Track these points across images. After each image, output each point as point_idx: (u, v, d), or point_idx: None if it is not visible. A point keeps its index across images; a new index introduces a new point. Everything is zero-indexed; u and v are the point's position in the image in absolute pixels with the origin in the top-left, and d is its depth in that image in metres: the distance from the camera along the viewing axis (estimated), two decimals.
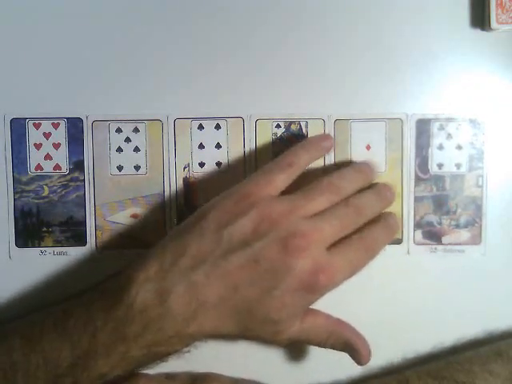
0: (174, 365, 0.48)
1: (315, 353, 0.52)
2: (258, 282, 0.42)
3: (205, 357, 0.51)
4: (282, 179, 0.45)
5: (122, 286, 0.43)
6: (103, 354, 0.42)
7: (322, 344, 0.46)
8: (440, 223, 0.52)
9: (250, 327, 0.43)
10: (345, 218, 0.44)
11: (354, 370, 0.51)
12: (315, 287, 0.42)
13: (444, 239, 0.52)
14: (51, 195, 0.51)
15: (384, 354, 0.51)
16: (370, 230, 0.46)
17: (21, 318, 0.46)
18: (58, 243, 0.51)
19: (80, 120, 0.50)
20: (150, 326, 0.42)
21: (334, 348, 0.46)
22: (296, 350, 0.52)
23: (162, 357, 0.44)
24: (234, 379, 0.51)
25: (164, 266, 0.42)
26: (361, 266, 0.45)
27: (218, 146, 0.51)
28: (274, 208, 0.43)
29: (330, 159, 0.51)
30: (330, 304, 0.51)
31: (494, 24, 0.49)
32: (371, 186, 0.48)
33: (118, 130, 0.51)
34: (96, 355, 0.42)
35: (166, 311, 0.41)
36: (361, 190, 0.47)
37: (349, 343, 0.46)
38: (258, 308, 0.42)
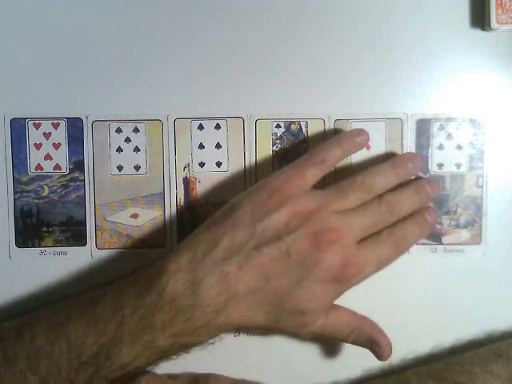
0: (174, 366, 0.48)
1: (316, 354, 0.52)
2: (289, 273, 0.43)
3: (206, 358, 0.51)
4: (313, 174, 0.45)
5: (153, 276, 0.43)
6: (128, 343, 0.42)
7: (344, 339, 0.47)
8: (440, 223, 0.52)
9: (278, 319, 0.44)
10: (376, 215, 0.45)
11: (354, 370, 0.51)
12: (344, 279, 0.43)
13: (444, 239, 0.52)
14: (51, 195, 0.51)
15: None
16: (401, 226, 0.46)
17: (44, 308, 0.46)
18: (57, 243, 0.51)
19: (80, 120, 0.50)
20: (178, 315, 0.42)
21: (356, 343, 0.47)
22: (297, 350, 0.52)
23: (188, 347, 0.44)
24: (234, 380, 0.51)
25: (196, 256, 0.43)
26: (389, 260, 0.46)
27: (218, 145, 0.51)
28: (305, 203, 0.44)
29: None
30: None
31: (494, 24, 0.49)
32: (413, 182, 0.48)
33: (118, 130, 0.51)
34: (121, 343, 0.42)
35: (196, 301, 0.42)
36: (400, 185, 0.47)
37: (371, 339, 0.47)
38: (288, 299, 0.43)
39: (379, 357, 0.47)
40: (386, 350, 0.47)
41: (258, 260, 0.42)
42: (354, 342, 0.47)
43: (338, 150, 0.47)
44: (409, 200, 0.47)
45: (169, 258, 0.44)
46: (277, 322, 0.44)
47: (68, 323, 0.42)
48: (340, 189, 0.45)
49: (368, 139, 0.48)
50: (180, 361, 0.50)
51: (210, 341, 0.45)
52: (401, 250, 0.46)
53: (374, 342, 0.47)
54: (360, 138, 0.47)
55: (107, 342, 0.42)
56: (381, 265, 0.45)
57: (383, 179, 0.46)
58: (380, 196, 0.46)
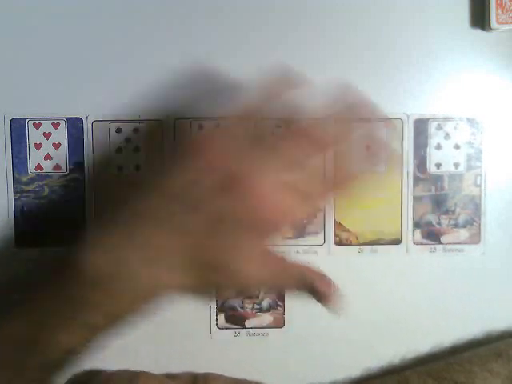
0: (174, 365, 0.48)
1: (316, 353, 0.52)
2: (219, 233, 0.40)
3: (206, 356, 0.51)
4: (241, 128, 0.43)
5: (75, 253, 0.41)
6: (61, 325, 0.41)
7: (288, 288, 0.45)
8: (439, 223, 0.52)
9: (206, 276, 0.42)
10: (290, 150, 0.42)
11: (354, 370, 0.52)
12: (271, 232, 0.41)
13: (443, 239, 0.52)
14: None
15: (384, 353, 0.52)
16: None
17: None
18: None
19: (80, 120, 0.50)
20: (105, 289, 0.40)
21: (300, 291, 0.44)
22: (296, 350, 0.52)
23: (124, 318, 0.42)
24: (234, 379, 0.51)
25: (119, 227, 0.41)
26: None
27: None
28: (230, 159, 0.41)
29: (329, 159, 0.51)
30: None
31: (494, 24, 0.49)
32: None
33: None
34: (53, 327, 0.41)
35: (121, 272, 0.40)
36: None
37: (313, 286, 0.43)
38: (220, 259, 0.41)
39: (323, 303, 0.43)
40: (327, 296, 0.43)
41: (189, 223, 0.40)
42: (298, 291, 0.44)
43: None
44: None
45: (89, 235, 0.42)
46: (208, 284, 0.42)
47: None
48: (270, 143, 0.42)
49: None
50: (180, 361, 0.51)
51: (150, 309, 0.43)
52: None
53: (315, 289, 0.43)
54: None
55: (38, 327, 0.41)
56: (305, 211, 0.43)
57: (316, 135, 0.43)
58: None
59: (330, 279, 0.43)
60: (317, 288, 0.43)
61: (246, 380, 0.50)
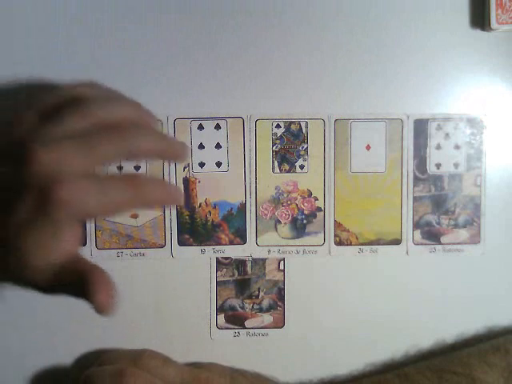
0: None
1: (317, 348, 0.52)
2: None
3: (206, 356, 0.51)
4: (43, 101, 0.41)
5: None
6: None
7: (70, 286, 0.39)
8: (439, 223, 0.52)
9: (5, 261, 0.38)
10: (96, 140, 0.38)
11: (355, 365, 0.52)
12: (52, 202, 0.36)
13: (443, 239, 0.52)
14: None
15: (384, 354, 0.52)
16: (144, 178, 0.40)
17: None
18: None
19: None
20: None
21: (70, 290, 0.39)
22: (298, 346, 0.52)
23: None
24: (234, 369, 0.51)
25: None
26: (118, 198, 0.38)
27: (218, 146, 0.51)
28: (20, 129, 0.39)
29: (329, 159, 0.51)
30: (330, 304, 0.52)
31: (494, 24, 0.49)
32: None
33: None
34: None
35: None
36: None
37: (87, 285, 0.38)
38: (6, 235, 0.37)
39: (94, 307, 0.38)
40: (99, 299, 0.37)
41: None
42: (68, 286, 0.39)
43: (84, 89, 0.42)
44: (148, 136, 0.40)
45: None
46: (4, 267, 0.38)
47: None
48: (59, 111, 0.39)
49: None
50: (180, 361, 0.51)
51: None
52: (138, 196, 0.39)
53: (87, 284, 0.38)
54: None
55: None
56: (105, 199, 0.37)
57: (112, 108, 0.40)
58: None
59: (110, 286, 0.38)
60: (91, 293, 0.37)
61: (246, 371, 0.51)
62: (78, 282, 0.38)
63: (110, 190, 0.38)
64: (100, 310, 0.37)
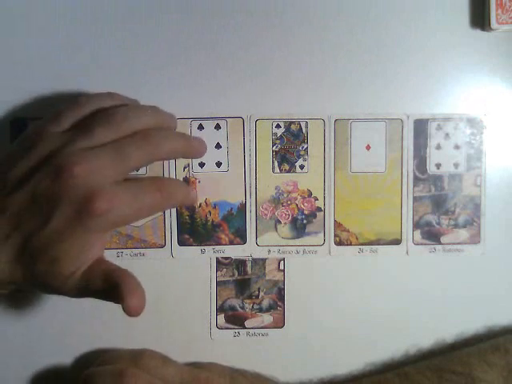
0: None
1: (317, 348, 0.52)
2: (37, 216, 0.39)
3: (206, 356, 0.51)
4: (68, 116, 0.43)
5: None
6: None
7: (99, 290, 0.41)
8: (439, 223, 0.52)
9: (33, 270, 0.40)
10: (130, 148, 0.41)
11: (355, 365, 0.52)
12: (89, 214, 0.39)
13: (443, 239, 0.52)
14: None
15: (384, 353, 0.52)
16: (167, 180, 0.45)
17: None
18: None
19: None
20: None
21: (107, 295, 0.41)
22: (297, 345, 0.52)
23: None
24: (234, 369, 0.51)
25: None
26: (149, 203, 0.42)
27: (218, 146, 0.51)
28: (51, 144, 0.41)
29: (329, 159, 0.51)
30: (330, 304, 0.52)
31: (494, 24, 0.49)
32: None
33: None
34: None
35: None
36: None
37: (119, 289, 0.40)
38: (37, 244, 0.39)
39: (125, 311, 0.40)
40: (130, 305, 0.39)
41: (8, 209, 0.40)
42: (106, 295, 0.41)
43: (104, 101, 0.44)
44: (171, 139, 0.44)
45: None
46: (33, 275, 0.40)
47: None
48: (88, 124, 0.42)
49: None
50: (180, 361, 0.51)
51: None
52: (164, 198, 0.43)
53: (119, 292, 0.40)
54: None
55: None
56: (138, 205, 0.41)
57: (136, 118, 0.43)
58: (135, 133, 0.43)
59: (139, 287, 0.40)
60: (121, 293, 0.40)
61: (246, 370, 0.51)
62: (106, 285, 0.40)
63: (142, 195, 0.41)
64: (132, 313, 0.39)
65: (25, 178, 0.40)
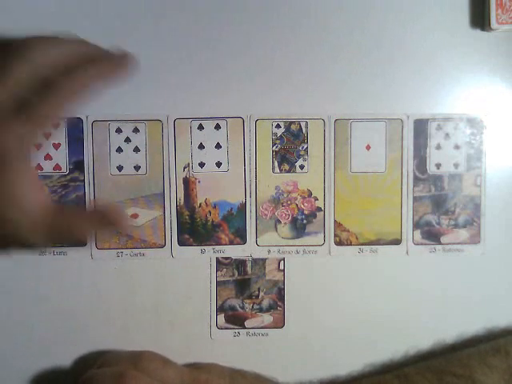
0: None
1: (317, 348, 0.52)
2: None
3: (206, 356, 0.51)
4: None
5: None
6: None
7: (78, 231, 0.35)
8: (439, 223, 0.52)
9: None
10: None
11: (355, 366, 0.52)
12: None
13: (443, 239, 0.52)
14: (51, 195, 0.51)
15: (383, 354, 0.52)
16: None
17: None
18: (57, 243, 0.51)
19: (80, 120, 0.50)
20: None
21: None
22: (297, 346, 0.52)
23: None
24: (234, 370, 0.51)
25: None
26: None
27: (218, 146, 0.51)
28: None
29: (329, 159, 0.51)
30: (330, 304, 0.52)
31: (494, 24, 0.49)
32: None
33: (118, 130, 0.50)
34: None
35: None
36: None
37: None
38: None
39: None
40: None
41: None
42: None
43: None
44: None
45: None
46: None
47: None
48: None
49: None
50: (180, 361, 0.51)
51: None
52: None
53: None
54: None
55: None
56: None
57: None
58: None
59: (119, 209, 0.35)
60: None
61: (246, 371, 0.51)
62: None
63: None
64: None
65: None
